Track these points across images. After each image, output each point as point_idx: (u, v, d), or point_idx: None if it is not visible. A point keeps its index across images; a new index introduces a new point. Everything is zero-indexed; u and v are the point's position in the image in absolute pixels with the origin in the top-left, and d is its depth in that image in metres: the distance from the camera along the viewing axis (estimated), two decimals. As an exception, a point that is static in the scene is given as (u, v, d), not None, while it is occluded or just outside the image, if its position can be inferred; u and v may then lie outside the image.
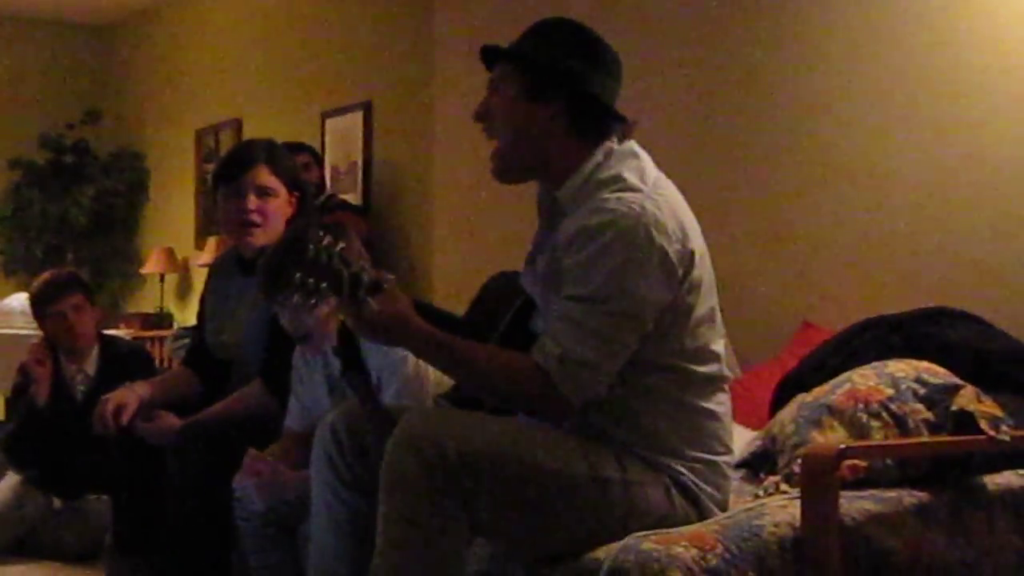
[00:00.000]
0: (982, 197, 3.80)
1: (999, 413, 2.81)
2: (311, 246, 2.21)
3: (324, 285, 2.20)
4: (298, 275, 2.19)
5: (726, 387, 2.49)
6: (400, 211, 6.54)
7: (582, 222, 2.33)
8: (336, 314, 2.59)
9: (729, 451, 2.48)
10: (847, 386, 2.92)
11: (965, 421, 2.77)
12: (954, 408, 2.79)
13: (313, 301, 2.20)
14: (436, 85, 5.94)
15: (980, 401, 2.82)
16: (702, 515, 2.41)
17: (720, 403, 2.46)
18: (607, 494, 2.31)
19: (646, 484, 2.35)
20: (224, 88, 8.18)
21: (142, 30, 9.33)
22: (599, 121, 2.45)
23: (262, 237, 3.33)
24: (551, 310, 2.36)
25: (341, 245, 2.23)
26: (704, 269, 2.42)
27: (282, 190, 3.38)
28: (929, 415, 2.81)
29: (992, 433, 2.75)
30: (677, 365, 2.38)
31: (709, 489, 2.42)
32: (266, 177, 3.35)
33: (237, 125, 7.97)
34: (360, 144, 6.78)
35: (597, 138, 2.44)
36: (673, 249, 2.32)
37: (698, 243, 2.41)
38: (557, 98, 2.43)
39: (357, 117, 6.80)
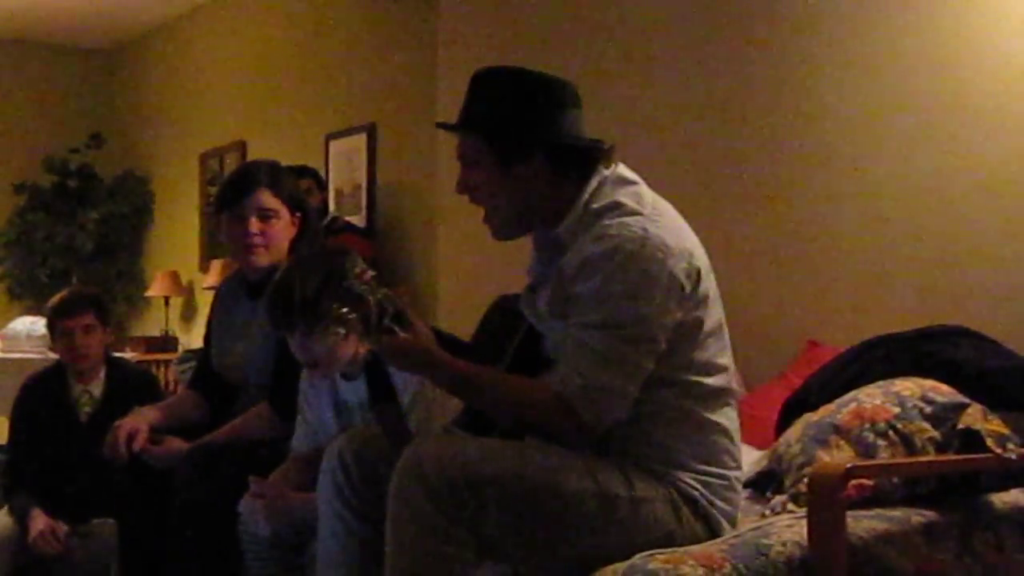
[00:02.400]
0: (988, 215, 3.80)
1: (1006, 431, 2.80)
2: (349, 278, 2.22)
3: (354, 316, 2.21)
4: (334, 306, 2.20)
5: (733, 402, 2.50)
6: (404, 233, 6.55)
7: (589, 251, 2.34)
8: (359, 343, 2.60)
9: (738, 466, 2.49)
10: (853, 405, 2.91)
11: (972, 439, 2.77)
12: (961, 426, 2.79)
13: (343, 331, 2.22)
14: (440, 107, 5.93)
15: (987, 419, 2.81)
16: (711, 530, 2.41)
17: (729, 418, 2.47)
18: (615, 511, 2.31)
19: (653, 500, 2.35)
20: (228, 111, 8.21)
21: (146, 54, 9.36)
22: (580, 158, 2.46)
23: (265, 259, 3.35)
24: (563, 338, 2.37)
25: (371, 273, 2.24)
26: (710, 283, 2.45)
27: (284, 211, 3.39)
28: (935, 434, 2.80)
29: (999, 451, 2.74)
30: (686, 379, 2.40)
31: (719, 503, 2.43)
32: (268, 199, 3.36)
33: (241, 148, 7.99)
34: (364, 166, 6.79)
35: (583, 173, 2.45)
36: (680, 268, 2.34)
37: (702, 259, 2.44)
38: (534, 154, 2.43)
39: (361, 139, 6.81)
